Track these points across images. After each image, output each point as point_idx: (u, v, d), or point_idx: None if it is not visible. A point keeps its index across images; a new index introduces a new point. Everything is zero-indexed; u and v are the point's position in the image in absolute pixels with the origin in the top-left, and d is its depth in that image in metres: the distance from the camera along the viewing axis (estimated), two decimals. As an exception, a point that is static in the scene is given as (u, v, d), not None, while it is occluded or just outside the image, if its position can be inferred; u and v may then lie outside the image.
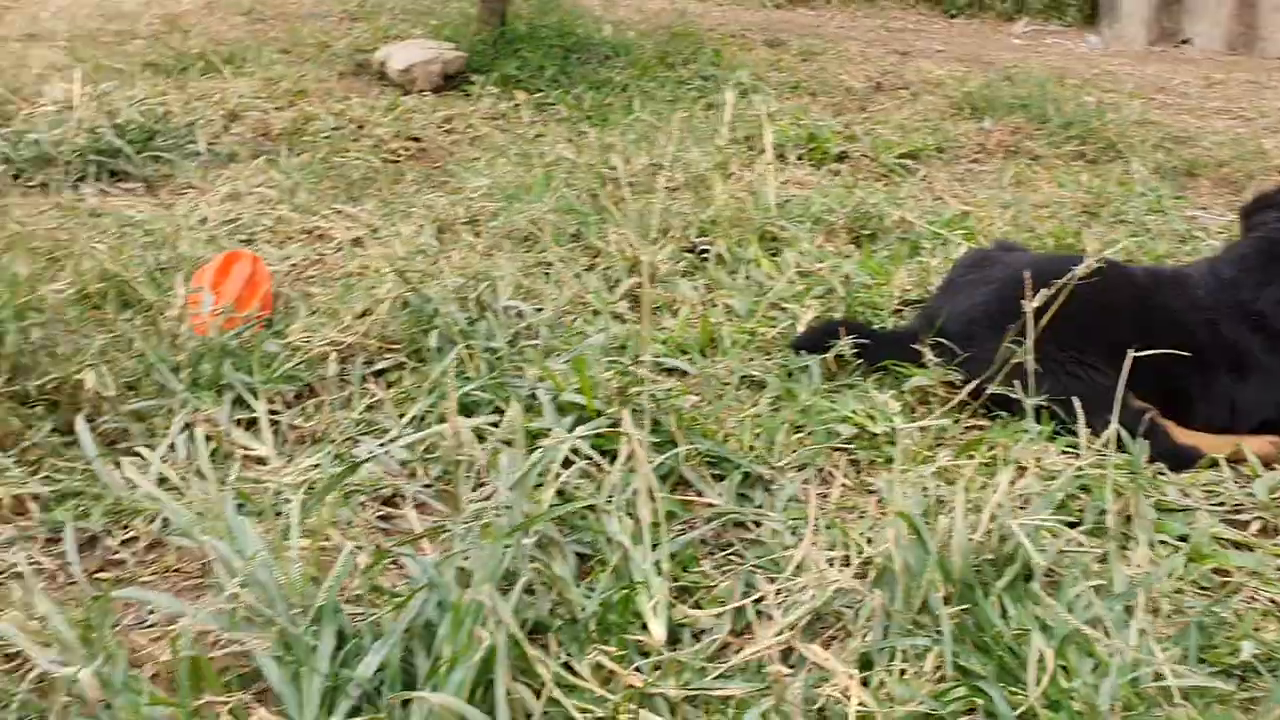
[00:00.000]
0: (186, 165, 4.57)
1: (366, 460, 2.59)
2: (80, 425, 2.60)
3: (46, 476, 2.59)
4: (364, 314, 3.21)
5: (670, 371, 3.06)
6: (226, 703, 1.79)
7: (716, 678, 1.96)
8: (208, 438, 2.67)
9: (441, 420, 2.80)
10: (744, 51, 7.51)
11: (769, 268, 3.76)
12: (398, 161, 4.96)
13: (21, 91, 5.13)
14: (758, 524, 2.46)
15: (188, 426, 2.73)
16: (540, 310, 3.32)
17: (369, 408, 2.94)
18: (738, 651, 2.03)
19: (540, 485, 2.35)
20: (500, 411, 2.79)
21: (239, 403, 2.88)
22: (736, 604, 2.16)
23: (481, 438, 2.68)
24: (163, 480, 2.60)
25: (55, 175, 4.31)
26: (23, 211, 3.82)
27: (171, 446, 2.68)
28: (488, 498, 2.43)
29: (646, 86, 6.19)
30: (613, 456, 2.47)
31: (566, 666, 1.99)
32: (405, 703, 1.80)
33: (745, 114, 5.43)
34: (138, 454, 2.69)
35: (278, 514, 2.21)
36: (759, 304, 3.45)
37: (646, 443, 2.24)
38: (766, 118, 4.78)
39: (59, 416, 2.73)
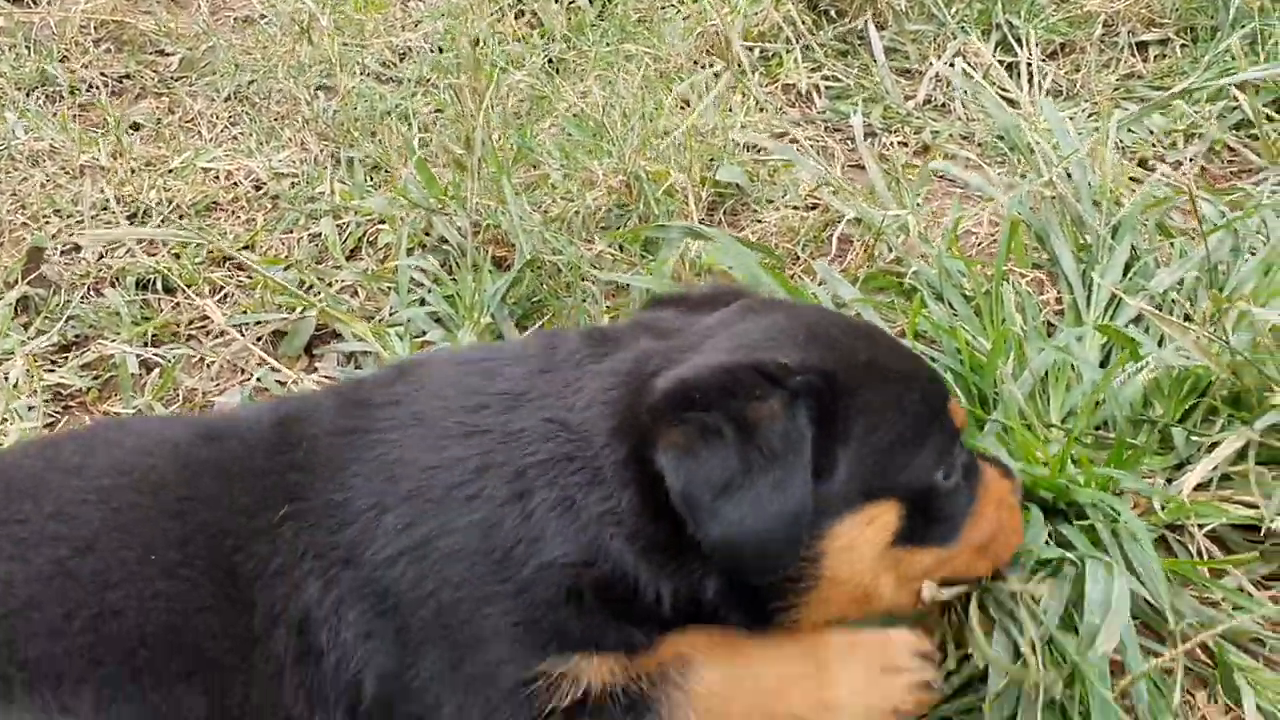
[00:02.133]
0: None
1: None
2: (872, 32, 2.78)
3: (826, 74, 2.83)
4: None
5: None
6: (1025, 275, 1.91)
7: None
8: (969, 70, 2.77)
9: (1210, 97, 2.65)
10: None
11: None
12: None
13: None
14: None
15: (958, 55, 2.83)
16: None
17: (1128, 75, 2.85)
18: None
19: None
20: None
21: (1003, 45, 2.91)
22: None
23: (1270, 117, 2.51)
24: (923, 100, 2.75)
25: None
26: None
27: (936, 75, 2.80)
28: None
29: None
30: None
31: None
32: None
33: None
34: (909, 72, 2.86)
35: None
36: None
37: None
38: None
39: (843, 25, 2.94)
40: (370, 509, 1.19)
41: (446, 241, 2.09)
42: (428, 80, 2.68)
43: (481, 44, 2.73)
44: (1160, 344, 1.81)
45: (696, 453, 1.12)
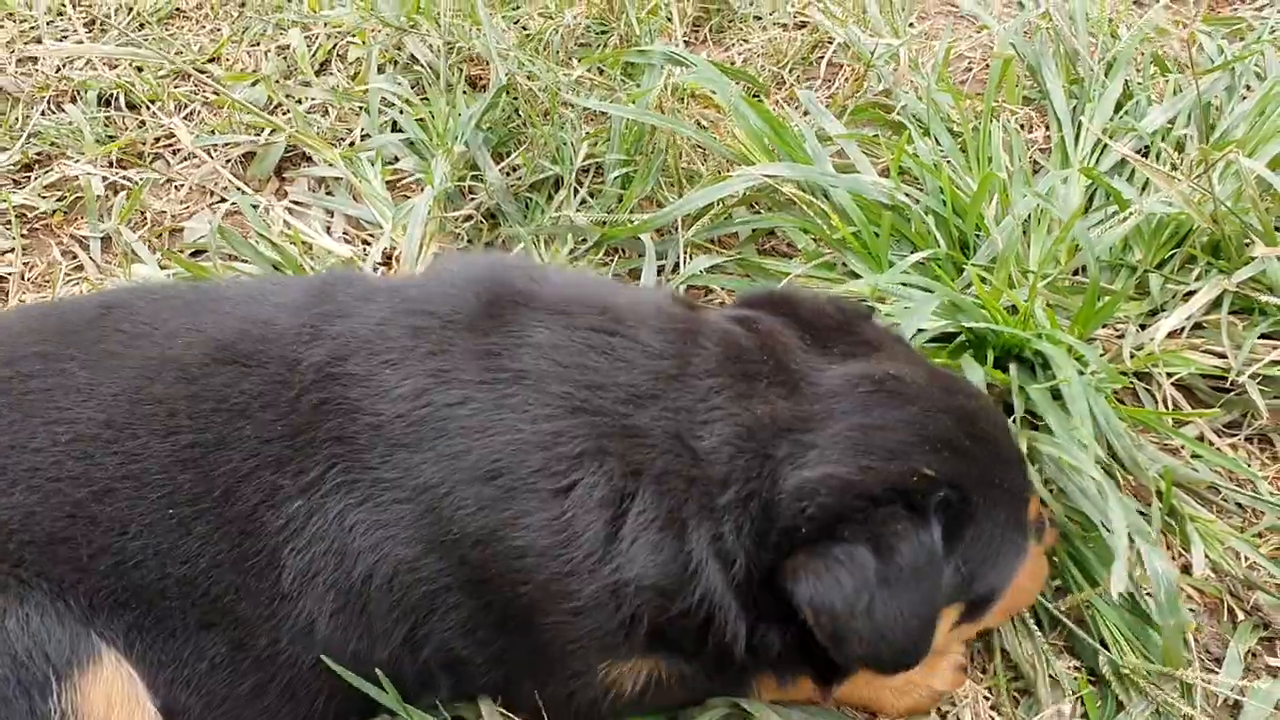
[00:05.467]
0: None
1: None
2: None
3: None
4: None
5: None
6: (1015, 111, 1.87)
7: None
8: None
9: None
10: None
11: None
12: None
13: None
14: None
15: None
16: None
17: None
18: None
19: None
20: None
21: None
22: None
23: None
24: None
25: None
26: None
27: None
28: None
29: None
30: None
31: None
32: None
33: None
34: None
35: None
36: None
37: None
38: None
39: None
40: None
41: (418, 61, 2.01)
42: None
43: None
44: (1144, 190, 1.78)
45: (833, 579, 1.09)
